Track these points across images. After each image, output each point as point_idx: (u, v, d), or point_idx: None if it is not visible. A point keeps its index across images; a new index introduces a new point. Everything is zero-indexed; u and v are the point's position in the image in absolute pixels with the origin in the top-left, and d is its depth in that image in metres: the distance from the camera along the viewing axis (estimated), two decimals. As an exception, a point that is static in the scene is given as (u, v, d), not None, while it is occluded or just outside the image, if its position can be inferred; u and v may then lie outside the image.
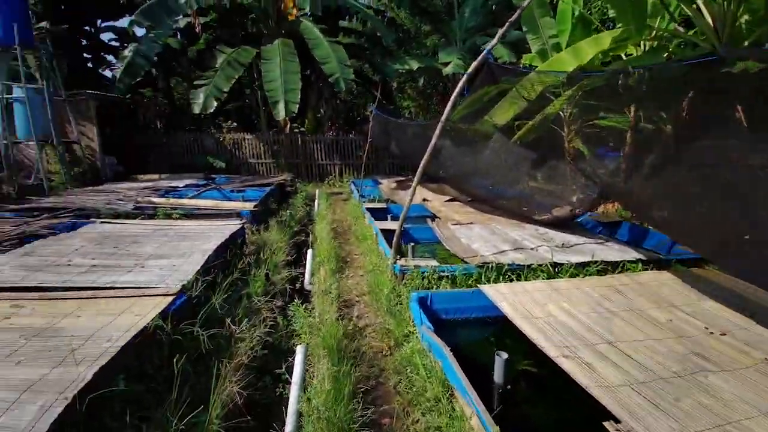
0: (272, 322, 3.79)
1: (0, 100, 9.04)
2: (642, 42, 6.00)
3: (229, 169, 13.38)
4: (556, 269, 4.50)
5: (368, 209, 7.66)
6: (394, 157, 13.98)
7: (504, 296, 3.62)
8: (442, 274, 4.30)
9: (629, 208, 6.61)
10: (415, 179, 4.73)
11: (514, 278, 4.35)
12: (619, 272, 4.49)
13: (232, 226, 5.51)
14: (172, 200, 7.01)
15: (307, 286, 4.89)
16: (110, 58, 16.89)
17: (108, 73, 17.39)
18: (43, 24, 12.25)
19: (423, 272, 4.23)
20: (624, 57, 6.48)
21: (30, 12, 11.09)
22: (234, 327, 3.10)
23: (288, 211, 8.02)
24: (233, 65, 11.20)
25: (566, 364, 2.55)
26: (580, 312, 3.37)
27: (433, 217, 6.86)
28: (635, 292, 3.87)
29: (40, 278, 3.48)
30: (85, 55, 16.05)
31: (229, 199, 9.26)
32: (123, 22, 14.52)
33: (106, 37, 17.60)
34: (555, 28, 7.21)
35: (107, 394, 2.18)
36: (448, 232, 5.81)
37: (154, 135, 13.35)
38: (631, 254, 4.88)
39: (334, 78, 10.30)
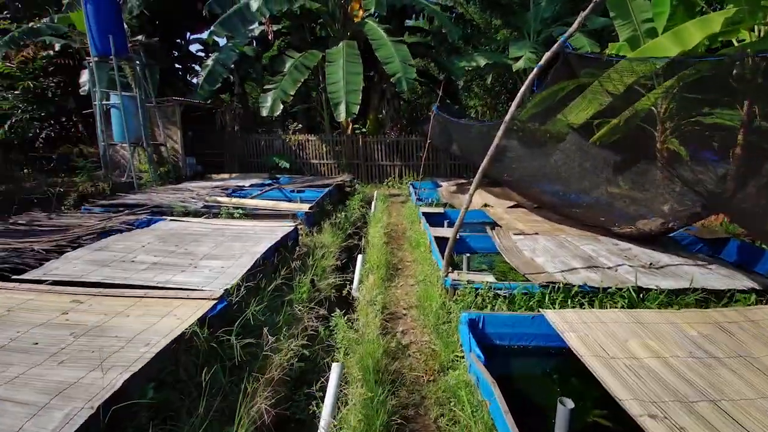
0: (313, 332, 3.67)
1: (99, 107, 10.27)
2: (756, 26, 4.92)
3: (293, 169, 13.87)
4: (641, 296, 3.79)
5: (424, 214, 7.33)
6: (456, 158, 13.44)
7: (571, 325, 3.09)
8: (498, 291, 3.84)
9: (740, 222, 5.49)
10: (474, 183, 4.31)
11: (586, 303, 3.75)
12: (725, 304, 3.66)
13: (285, 228, 5.54)
14: (234, 200, 7.33)
15: (354, 293, 4.73)
16: (197, 67, 18.55)
17: (195, 81, 19.15)
18: (139, 37, 13.75)
19: (477, 288, 3.82)
20: (736, 43, 5.39)
21: (126, 26, 12.50)
22: (270, 338, 2.99)
23: (343, 213, 7.99)
24: (300, 69, 11.53)
25: (652, 428, 2.02)
26: (672, 355, 2.73)
27: (494, 225, 6.32)
28: (747, 333, 3.08)
29: (105, 274, 3.70)
30: (175, 65, 17.77)
31: (289, 200, 9.52)
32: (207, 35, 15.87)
33: (193, 48, 19.38)
34: (650, 11, 6.24)
35: (134, 403, 2.15)
36: (508, 242, 5.27)
37: (229, 137, 14.30)
38: (742, 282, 3.97)
39: (396, 78, 10.11)
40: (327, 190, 9.40)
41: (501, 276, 4.53)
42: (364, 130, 14.41)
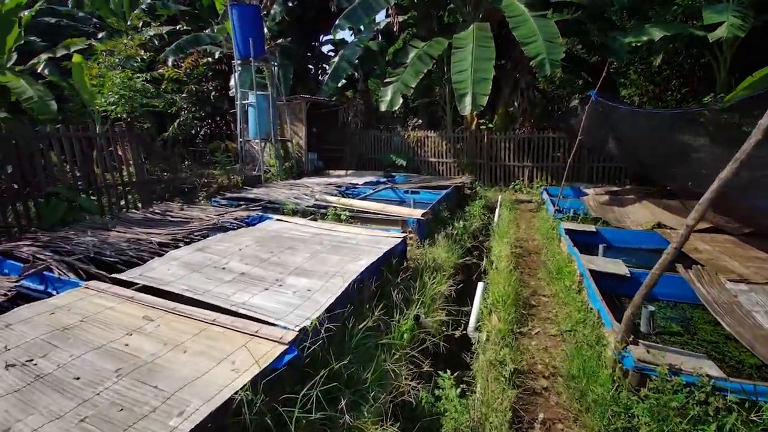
0: (412, 398, 2.66)
1: (240, 106, 11.08)
2: None
3: (410, 167, 13.14)
4: None
5: (568, 231, 5.65)
6: (605, 160, 10.87)
7: None
8: (729, 397, 2.20)
9: None
10: (702, 203, 2.69)
11: None
12: None
13: (391, 239, 4.66)
14: (343, 200, 6.79)
15: (471, 334, 3.58)
16: (327, 67, 19.41)
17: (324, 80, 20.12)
18: (280, 41, 14.71)
19: (687, 382, 2.26)
20: None
21: (268, 32, 13.37)
22: (347, 417, 2.08)
23: (461, 221, 6.80)
24: (423, 59, 10.63)
25: None
26: None
27: (683, 259, 4.35)
28: None
29: (190, 283, 3.32)
30: (308, 65, 18.82)
31: (402, 201, 8.73)
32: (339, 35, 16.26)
33: (326, 49, 20.27)
34: None
35: None
36: (721, 294, 3.39)
37: (349, 133, 14.33)
38: None
39: (538, 60, 8.36)
40: (444, 192, 8.30)
41: (717, 356, 2.81)
42: (490, 125, 12.81)
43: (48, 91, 9.18)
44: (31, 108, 8.82)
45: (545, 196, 9.01)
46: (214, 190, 10.39)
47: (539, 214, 8.55)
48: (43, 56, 11.70)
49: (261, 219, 6.05)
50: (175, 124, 14.37)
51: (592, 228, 5.87)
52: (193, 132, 15.21)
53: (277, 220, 5.70)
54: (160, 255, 4.27)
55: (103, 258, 4.16)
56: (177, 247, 4.58)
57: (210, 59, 14.92)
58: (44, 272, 3.64)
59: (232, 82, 13.72)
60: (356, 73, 15.64)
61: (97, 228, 5.28)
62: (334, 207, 6.47)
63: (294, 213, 6.58)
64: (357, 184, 9.60)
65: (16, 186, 6.04)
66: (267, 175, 11.38)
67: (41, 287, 3.49)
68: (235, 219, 5.87)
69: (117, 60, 9.92)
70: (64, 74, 10.81)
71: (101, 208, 6.84)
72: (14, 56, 10.69)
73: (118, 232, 5.13)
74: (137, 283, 3.36)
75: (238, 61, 10.66)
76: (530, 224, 8.06)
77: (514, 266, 5.24)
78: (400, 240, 4.70)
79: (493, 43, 9.42)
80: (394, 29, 13.79)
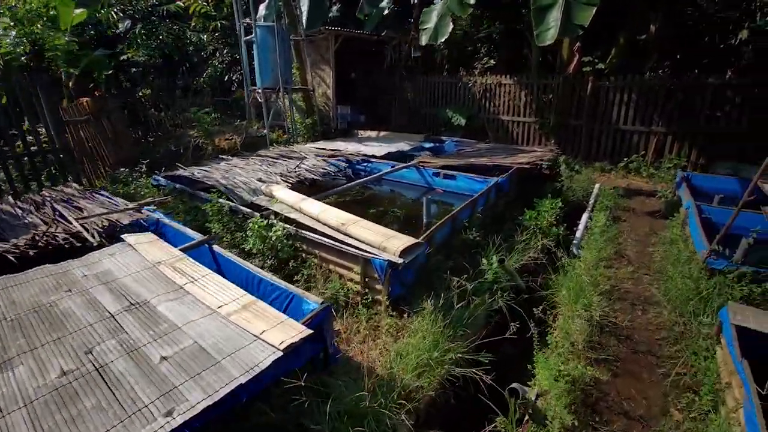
0: None
1: (245, 45, 8.57)
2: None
3: (473, 127, 9.58)
4: None
5: (741, 330, 2.21)
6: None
7: None
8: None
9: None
10: None
11: None
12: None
13: (288, 340, 1.89)
14: (292, 199, 3.99)
15: None
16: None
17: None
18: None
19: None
20: None
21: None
22: None
23: (496, 253, 3.61)
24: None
25: None
26: None
27: None
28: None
29: None
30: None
31: (431, 187, 5.73)
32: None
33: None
34: None
35: None
36: None
37: (398, 80, 11.02)
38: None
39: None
40: (493, 182, 4.98)
41: None
42: (601, 65, 8.43)
43: None
44: None
45: (684, 191, 5.08)
46: (209, 154, 8.42)
47: (672, 226, 4.79)
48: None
49: (147, 227, 3.71)
50: (207, 71, 12.55)
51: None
52: (226, 79, 13.34)
53: (145, 242, 3.24)
54: None
55: None
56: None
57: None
58: None
59: (261, 11, 11.24)
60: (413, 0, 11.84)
61: None
62: (278, 211, 3.79)
63: (231, 212, 4.09)
64: (373, 155, 6.68)
65: None
66: (277, 136, 9.01)
67: None
68: (104, 228, 3.60)
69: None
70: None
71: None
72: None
73: None
74: None
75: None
76: (645, 245, 4.44)
77: (595, 362, 2.12)
78: (299, 341, 1.90)
79: None
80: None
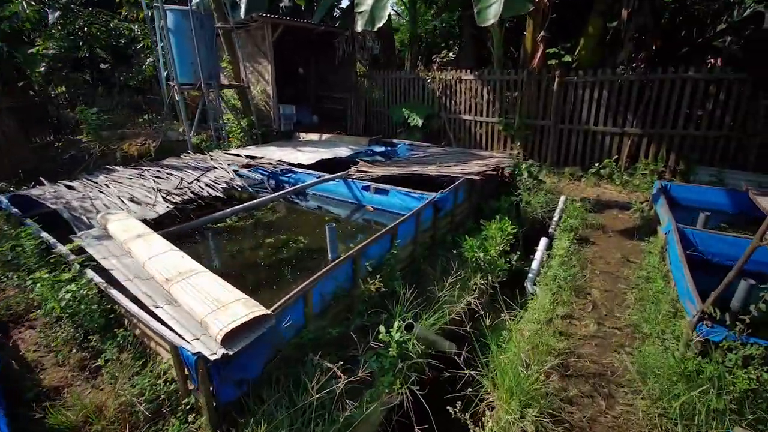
0: None
1: (159, 32, 7.31)
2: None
3: (431, 128, 8.57)
4: None
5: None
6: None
7: None
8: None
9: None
10: None
11: None
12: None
13: None
14: (134, 245, 2.82)
15: None
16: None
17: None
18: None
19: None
20: None
21: None
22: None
23: (396, 325, 2.57)
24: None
25: None
26: None
27: None
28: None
29: None
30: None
31: (360, 203, 4.67)
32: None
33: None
34: None
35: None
36: None
37: (353, 77, 9.90)
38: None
39: None
40: (432, 198, 3.93)
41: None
42: (568, 58, 7.52)
43: None
44: None
45: (662, 206, 4.15)
46: (118, 161, 7.13)
47: (645, 249, 3.83)
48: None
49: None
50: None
51: None
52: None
53: None
54: None
55: None
56: None
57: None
58: None
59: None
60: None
61: None
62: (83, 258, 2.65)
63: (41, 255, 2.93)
64: (300, 164, 5.55)
65: None
66: (203, 140, 7.78)
67: None
68: None
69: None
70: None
71: None
72: None
73: None
74: None
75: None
76: (615, 288, 3.45)
77: None
78: None
79: None
80: None
